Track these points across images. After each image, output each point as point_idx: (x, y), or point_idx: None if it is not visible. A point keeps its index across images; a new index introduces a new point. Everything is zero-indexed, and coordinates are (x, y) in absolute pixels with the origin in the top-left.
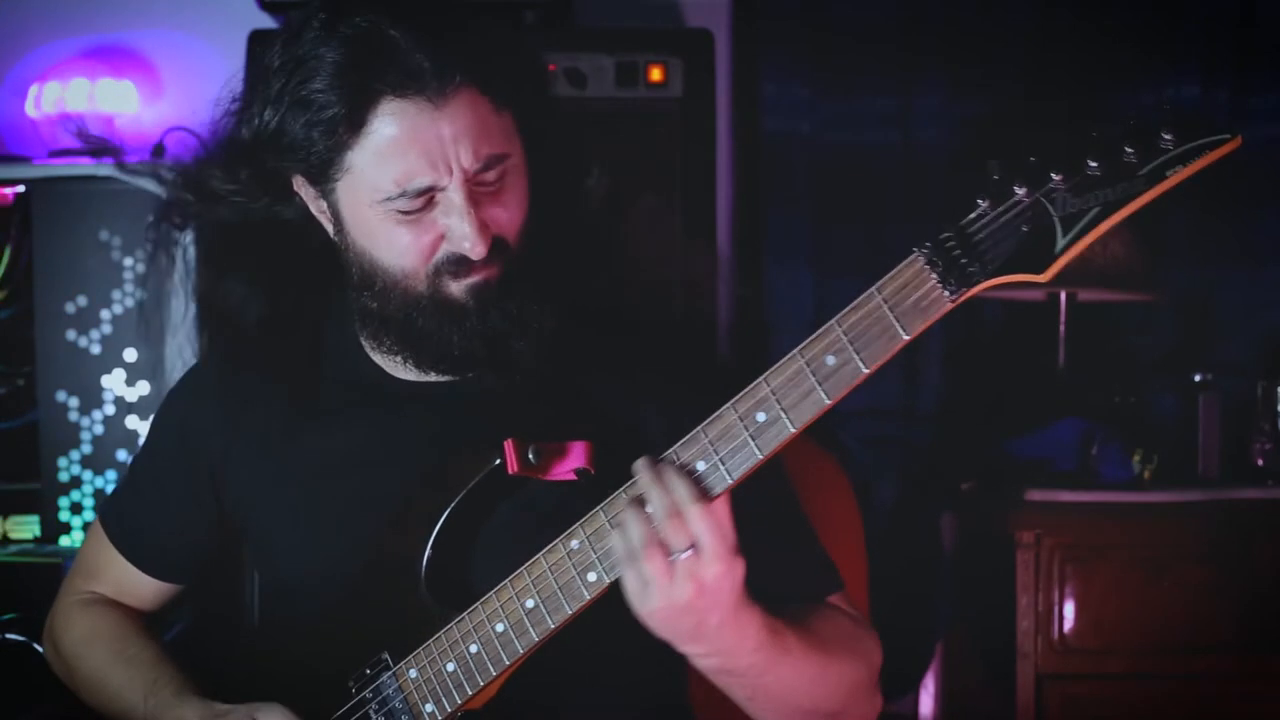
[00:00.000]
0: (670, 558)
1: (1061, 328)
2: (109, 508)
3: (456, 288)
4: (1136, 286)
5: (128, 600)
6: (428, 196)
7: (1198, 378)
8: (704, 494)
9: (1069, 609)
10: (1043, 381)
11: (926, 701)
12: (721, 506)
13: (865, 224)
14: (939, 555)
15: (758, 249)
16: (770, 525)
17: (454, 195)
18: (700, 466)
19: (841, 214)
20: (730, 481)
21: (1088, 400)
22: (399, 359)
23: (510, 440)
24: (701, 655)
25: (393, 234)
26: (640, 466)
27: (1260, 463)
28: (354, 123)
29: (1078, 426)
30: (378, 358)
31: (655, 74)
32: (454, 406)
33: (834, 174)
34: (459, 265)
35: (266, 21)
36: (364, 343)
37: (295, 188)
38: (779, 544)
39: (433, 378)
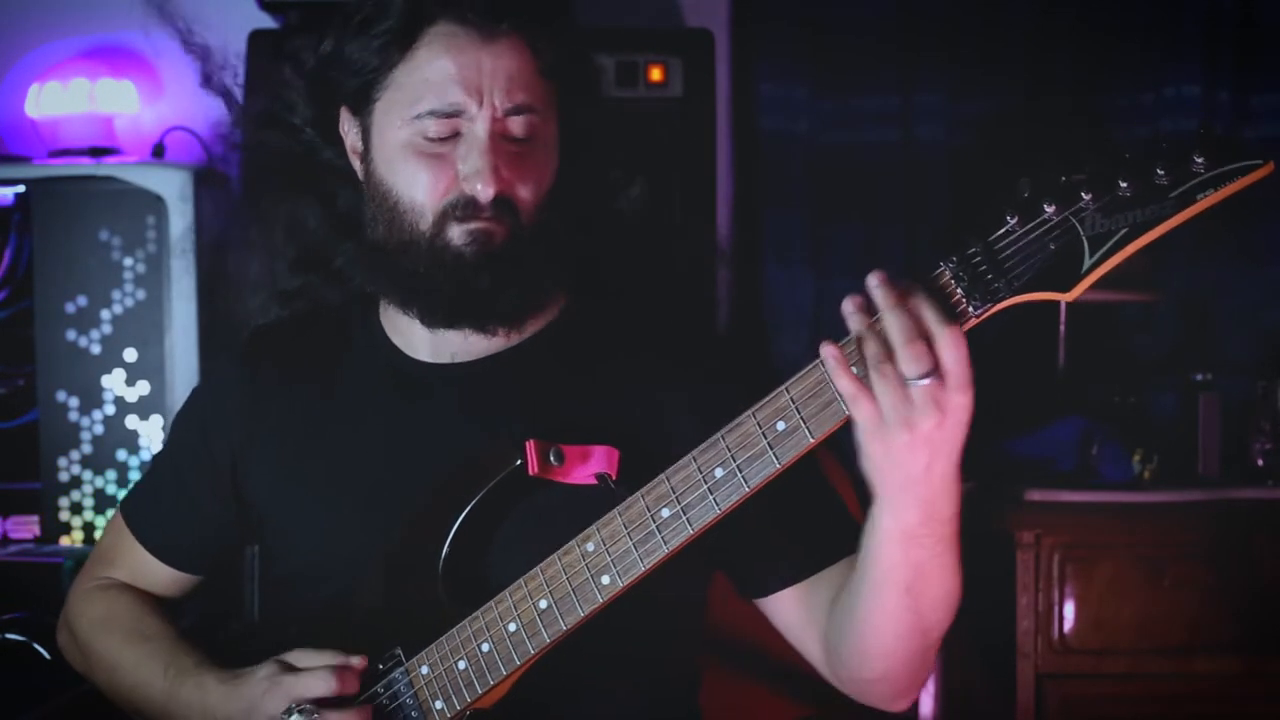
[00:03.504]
0: (908, 383)
1: (1061, 327)
2: (130, 498)
3: (458, 233)
4: (1136, 286)
5: (144, 590)
6: (453, 126)
7: (1198, 378)
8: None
9: (1069, 609)
10: (1043, 381)
11: (926, 701)
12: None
13: (864, 223)
14: None
15: (757, 248)
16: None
17: (478, 128)
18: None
19: (840, 213)
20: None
21: (1088, 400)
22: (399, 306)
23: (533, 440)
24: (908, 507)
25: (413, 165)
26: (876, 284)
27: (1260, 463)
28: (406, 39)
29: (1078, 426)
30: (398, 340)
31: (655, 74)
32: (470, 392)
33: (833, 173)
34: (466, 209)
35: (267, 21)
36: (384, 325)
37: (341, 129)
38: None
39: (448, 359)
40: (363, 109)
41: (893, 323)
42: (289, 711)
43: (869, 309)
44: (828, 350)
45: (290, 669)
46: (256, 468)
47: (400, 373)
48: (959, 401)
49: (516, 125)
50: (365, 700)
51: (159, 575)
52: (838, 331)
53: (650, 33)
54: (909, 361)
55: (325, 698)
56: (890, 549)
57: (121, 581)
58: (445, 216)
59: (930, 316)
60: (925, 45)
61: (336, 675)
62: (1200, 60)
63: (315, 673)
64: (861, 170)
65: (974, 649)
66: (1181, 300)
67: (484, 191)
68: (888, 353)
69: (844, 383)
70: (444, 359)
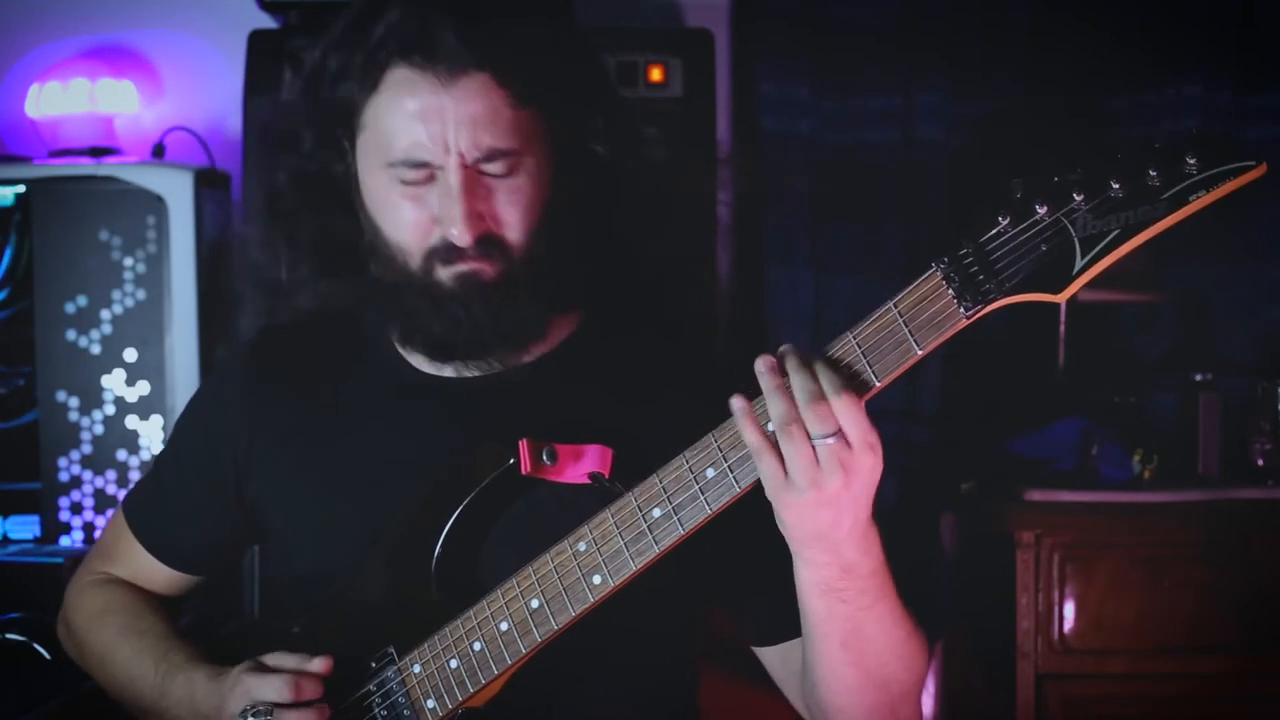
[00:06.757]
0: (814, 440)
1: (1061, 327)
2: (131, 496)
3: (445, 274)
4: (1136, 286)
5: (143, 587)
6: (428, 170)
7: (1198, 378)
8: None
9: (1069, 609)
10: (1043, 381)
11: (926, 701)
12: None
13: (865, 223)
14: (939, 555)
15: (757, 248)
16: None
17: (450, 178)
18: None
19: (841, 213)
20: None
21: (1088, 400)
22: (399, 342)
23: (525, 440)
24: (822, 563)
25: (396, 206)
26: (786, 350)
27: (1260, 463)
28: (370, 78)
29: (1078, 426)
30: (405, 352)
31: (655, 74)
32: (474, 403)
33: (834, 173)
34: (449, 252)
35: (266, 21)
36: (393, 335)
37: (344, 144)
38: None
39: (449, 372)
40: (351, 138)
41: (799, 384)
42: (244, 713)
43: (781, 370)
44: (737, 402)
45: (261, 669)
46: (260, 470)
47: (405, 384)
48: (864, 463)
49: (492, 167)
50: (358, 699)
51: (158, 574)
52: (838, 331)
53: (650, 33)
54: (814, 421)
55: (281, 702)
56: (814, 603)
57: (120, 577)
58: (431, 258)
59: (828, 383)
60: (925, 45)
61: (293, 683)
62: (1200, 60)
63: (274, 677)
64: (862, 170)
65: (974, 649)
66: (1181, 300)
67: (461, 238)
68: (795, 413)
69: (751, 435)
70: (448, 373)
